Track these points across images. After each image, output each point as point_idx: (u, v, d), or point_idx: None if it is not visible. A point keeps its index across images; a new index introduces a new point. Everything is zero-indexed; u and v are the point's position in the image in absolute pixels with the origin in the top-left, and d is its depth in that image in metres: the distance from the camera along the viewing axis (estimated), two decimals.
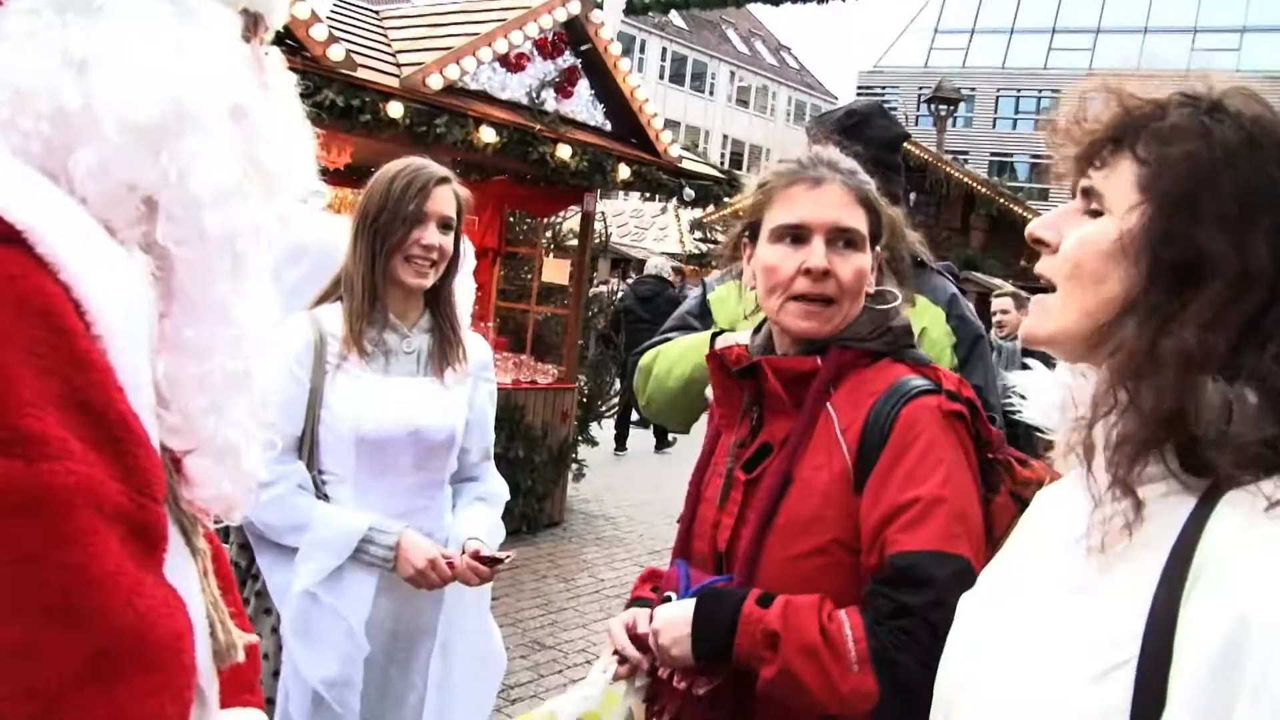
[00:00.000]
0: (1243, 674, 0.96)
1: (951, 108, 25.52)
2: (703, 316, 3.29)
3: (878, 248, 2.18)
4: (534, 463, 9.23)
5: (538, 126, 8.20)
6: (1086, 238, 1.23)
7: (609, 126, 9.18)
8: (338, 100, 6.64)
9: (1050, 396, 1.32)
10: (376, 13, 9.18)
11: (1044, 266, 1.30)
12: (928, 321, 3.14)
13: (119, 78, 1.13)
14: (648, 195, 10.44)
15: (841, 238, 2.07)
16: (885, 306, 2.15)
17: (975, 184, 23.18)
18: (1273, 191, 1.12)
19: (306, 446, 2.92)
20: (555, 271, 10.85)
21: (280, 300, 1.46)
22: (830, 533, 1.97)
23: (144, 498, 1.04)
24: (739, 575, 2.03)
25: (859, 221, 2.09)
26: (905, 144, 3.50)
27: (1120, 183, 1.21)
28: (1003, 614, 1.29)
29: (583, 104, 8.92)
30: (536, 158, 8.24)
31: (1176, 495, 1.12)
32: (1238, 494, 1.07)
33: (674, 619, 1.99)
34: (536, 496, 9.33)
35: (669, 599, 2.10)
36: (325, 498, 2.93)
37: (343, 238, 2.99)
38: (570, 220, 11.02)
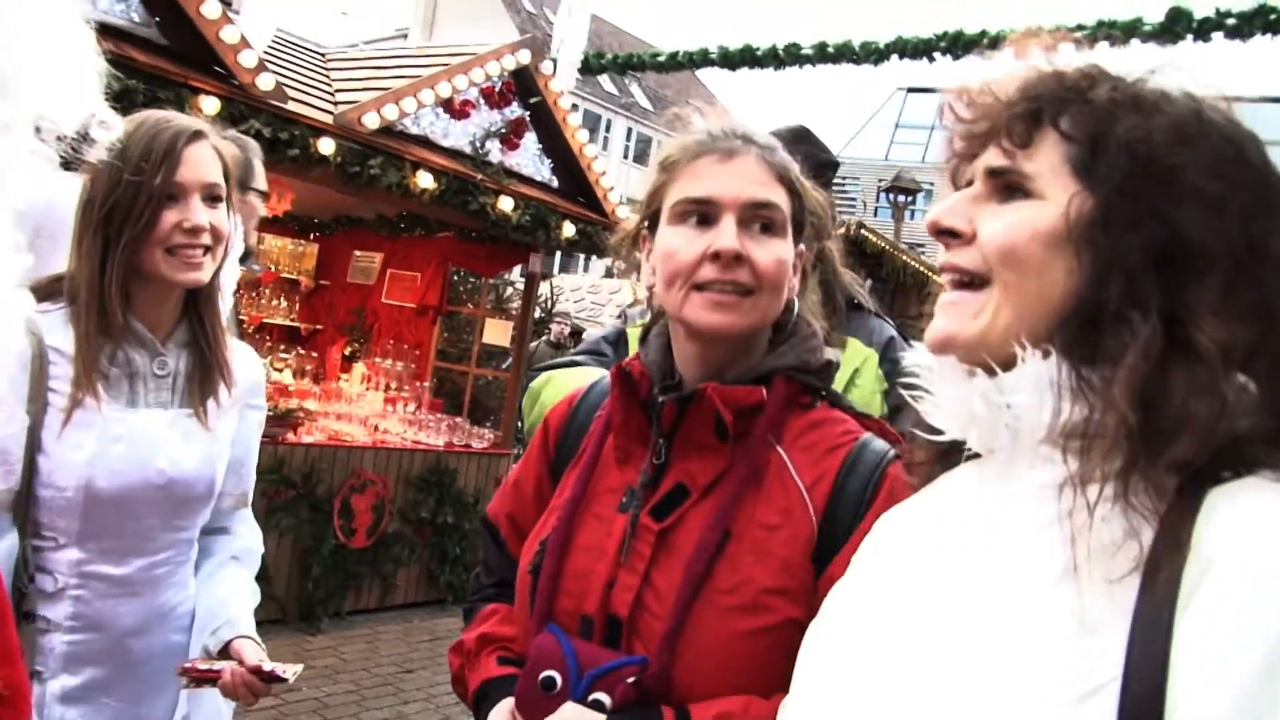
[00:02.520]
0: None
1: (910, 198, 25.71)
2: (617, 345, 2.97)
3: (800, 246, 1.81)
4: (463, 530, 8.81)
5: (479, 176, 7.92)
6: (1023, 223, 1.09)
7: (555, 183, 8.92)
8: (265, 132, 6.31)
9: (964, 404, 1.15)
10: (322, 54, 8.93)
11: (960, 257, 1.15)
12: (860, 364, 2.86)
13: None
14: (588, 257, 10.29)
15: (757, 218, 1.71)
16: (811, 339, 1.81)
17: (930, 272, 23.28)
18: (1238, 167, 1.04)
19: (20, 506, 2.11)
20: (497, 333, 10.53)
21: None
22: (788, 610, 1.57)
23: None
24: (655, 655, 1.59)
25: (778, 198, 1.73)
26: (835, 175, 3.23)
27: (1050, 162, 1.10)
28: (936, 639, 1.08)
29: (529, 157, 8.66)
30: (477, 208, 7.94)
31: (1143, 494, 0.99)
32: (1246, 485, 0.95)
33: None
34: (464, 566, 8.90)
35: (551, 682, 1.63)
36: (40, 570, 2.14)
37: (73, 201, 2.21)
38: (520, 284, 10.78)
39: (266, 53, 7.04)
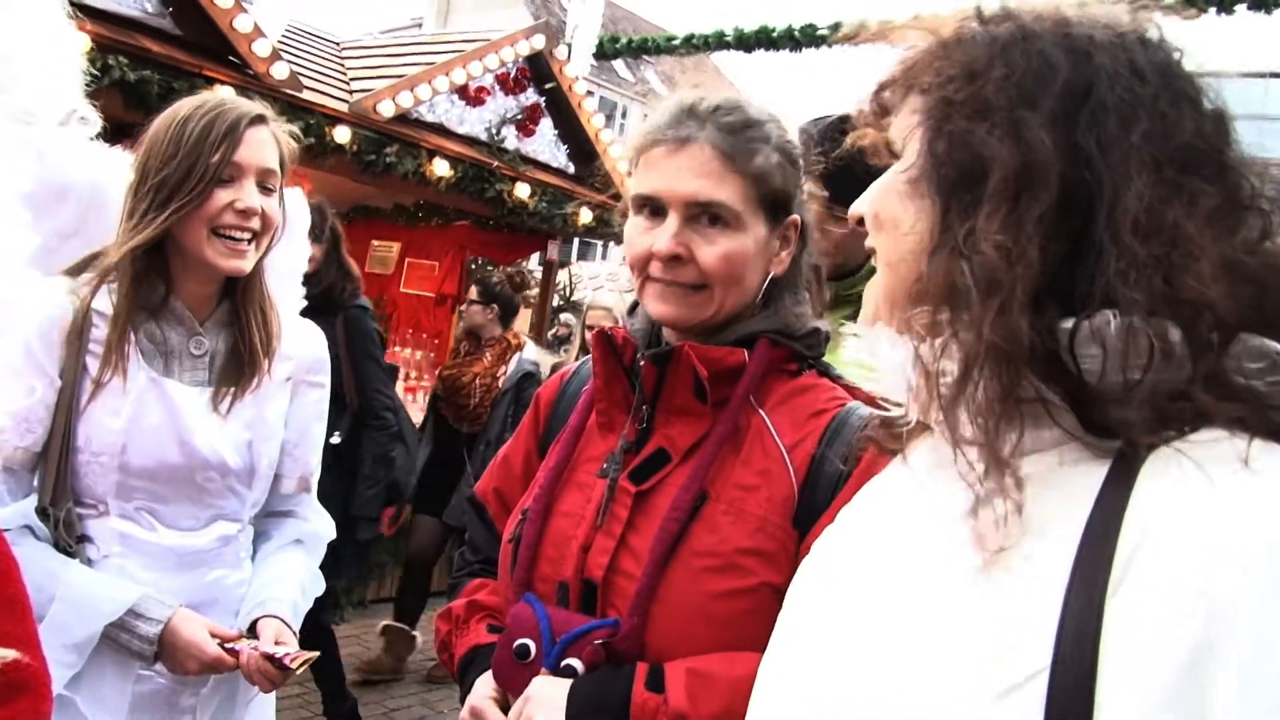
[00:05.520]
0: (1215, 672, 0.76)
1: None
2: None
3: (792, 218, 1.77)
4: None
5: (495, 163, 7.91)
6: (881, 186, 1.09)
7: (572, 169, 8.89)
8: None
9: (900, 374, 1.06)
10: (336, 43, 8.93)
11: (871, 241, 1.13)
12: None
13: None
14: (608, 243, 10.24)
15: (704, 213, 1.68)
16: (796, 305, 1.79)
17: None
18: (1049, 75, 0.96)
19: (55, 468, 2.10)
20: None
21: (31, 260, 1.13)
22: (764, 573, 1.55)
23: None
24: (627, 616, 1.58)
25: (728, 193, 1.67)
26: None
27: (907, 120, 1.07)
28: (870, 629, 1.02)
29: (545, 144, 8.63)
30: (493, 195, 7.94)
31: (1079, 464, 0.92)
32: (1173, 453, 0.86)
33: (544, 705, 1.55)
34: None
35: (525, 650, 1.63)
36: (82, 539, 2.13)
37: (120, 177, 2.21)
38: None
39: (280, 42, 7.03)
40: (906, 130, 1.06)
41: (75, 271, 2.18)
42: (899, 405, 1.10)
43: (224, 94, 2.30)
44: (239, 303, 2.27)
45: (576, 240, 13.66)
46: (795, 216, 1.78)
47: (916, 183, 1.02)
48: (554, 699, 1.54)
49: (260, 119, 2.20)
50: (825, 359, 1.82)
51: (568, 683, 1.55)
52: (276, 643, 2.13)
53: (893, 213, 1.05)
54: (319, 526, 2.53)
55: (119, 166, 2.22)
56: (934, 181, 0.99)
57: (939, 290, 0.95)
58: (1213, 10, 8.52)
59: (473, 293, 6.66)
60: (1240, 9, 8.64)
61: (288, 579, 2.33)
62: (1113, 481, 0.88)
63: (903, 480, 1.15)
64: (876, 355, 1.10)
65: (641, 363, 1.71)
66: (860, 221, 1.13)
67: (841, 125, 2.76)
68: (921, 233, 1.01)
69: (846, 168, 2.32)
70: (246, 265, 2.18)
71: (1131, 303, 0.88)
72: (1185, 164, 0.93)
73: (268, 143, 2.20)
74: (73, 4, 1.26)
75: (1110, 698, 0.81)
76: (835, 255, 2.37)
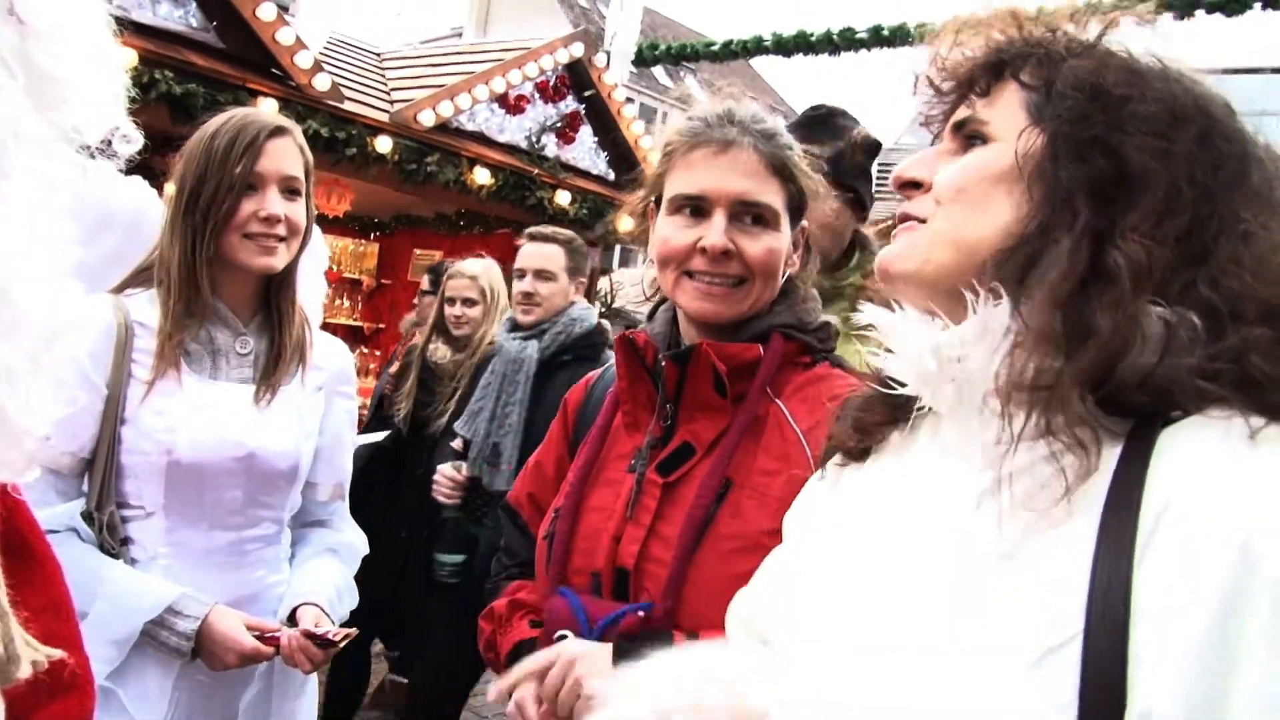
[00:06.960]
0: (1246, 617, 0.80)
1: None
2: None
3: (802, 223, 1.86)
4: None
5: (536, 171, 7.96)
6: (972, 163, 1.12)
7: (612, 176, 8.93)
8: (322, 131, 6.39)
9: (923, 338, 1.11)
10: (377, 54, 9.02)
11: (915, 206, 1.17)
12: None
13: None
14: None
15: (748, 212, 1.76)
16: (807, 300, 1.87)
17: None
18: (1189, 107, 1.04)
19: (101, 474, 2.15)
20: None
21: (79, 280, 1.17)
22: None
23: None
24: (660, 598, 1.64)
25: (771, 194, 1.77)
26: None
27: (1007, 108, 1.12)
28: (898, 605, 1.04)
29: (585, 151, 8.68)
30: (534, 203, 8.00)
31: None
32: (1194, 424, 0.92)
33: (587, 658, 1.58)
34: None
35: (564, 640, 1.67)
36: (125, 541, 2.19)
37: (159, 206, 2.30)
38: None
39: (322, 54, 7.12)
40: (1008, 118, 1.10)
41: (119, 289, 2.26)
42: (902, 385, 1.15)
43: (265, 106, 2.33)
44: (275, 303, 2.35)
45: (618, 246, 13.73)
46: (805, 222, 1.86)
47: (1026, 173, 1.06)
48: (596, 653, 1.58)
49: (280, 130, 2.28)
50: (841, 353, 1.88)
51: (606, 645, 1.59)
52: (315, 625, 2.19)
53: (985, 192, 1.09)
54: (353, 539, 2.58)
55: (157, 198, 2.33)
56: (1061, 178, 1.04)
57: (1060, 269, 0.99)
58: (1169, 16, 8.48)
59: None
60: (1199, 13, 8.64)
61: (324, 579, 2.38)
62: (1129, 455, 0.93)
63: (902, 461, 1.19)
64: (896, 337, 1.15)
65: (663, 363, 1.77)
66: (903, 185, 1.18)
67: (832, 116, 2.85)
68: (1013, 220, 1.06)
69: (841, 153, 2.57)
70: (277, 262, 2.26)
71: (1200, 300, 0.96)
72: (1260, 206, 1.02)
73: (288, 151, 2.29)
74: (118, 20, 1.29)
75: (1145, 648, 0.84)
76: (826, 234, 2.50)
